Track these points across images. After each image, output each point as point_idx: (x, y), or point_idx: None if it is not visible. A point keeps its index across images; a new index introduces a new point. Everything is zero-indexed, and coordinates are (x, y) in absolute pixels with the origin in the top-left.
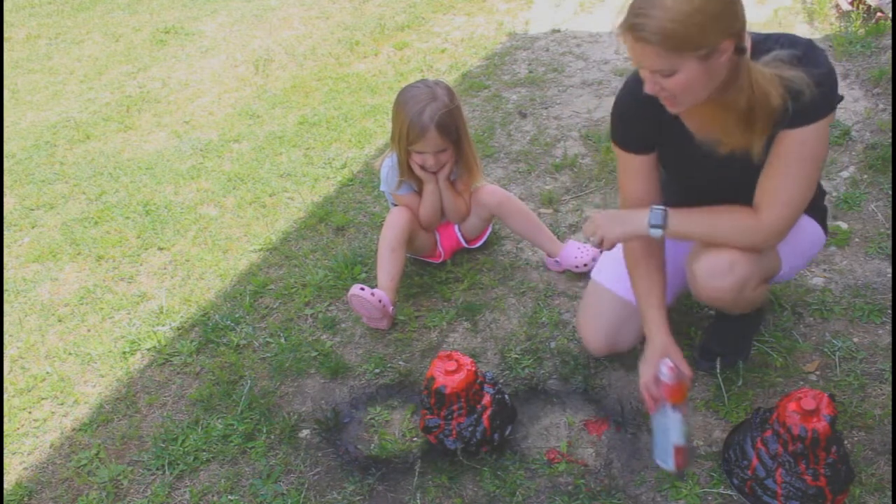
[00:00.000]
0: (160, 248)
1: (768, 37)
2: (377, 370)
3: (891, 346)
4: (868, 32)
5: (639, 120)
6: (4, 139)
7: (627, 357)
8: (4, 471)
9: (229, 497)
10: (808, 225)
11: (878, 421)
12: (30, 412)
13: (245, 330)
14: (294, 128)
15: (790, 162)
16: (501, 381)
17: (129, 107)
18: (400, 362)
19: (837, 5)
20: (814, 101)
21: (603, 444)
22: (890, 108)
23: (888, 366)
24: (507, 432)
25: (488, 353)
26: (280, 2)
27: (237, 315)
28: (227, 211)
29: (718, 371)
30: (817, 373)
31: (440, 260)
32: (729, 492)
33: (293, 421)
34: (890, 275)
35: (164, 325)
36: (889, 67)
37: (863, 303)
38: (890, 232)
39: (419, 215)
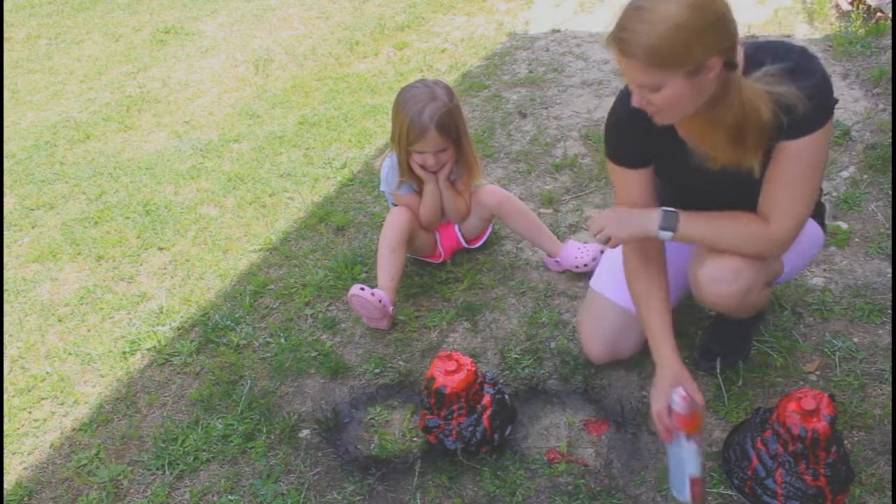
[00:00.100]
0: (160, 248)
1: (759, 47)
2: (377, 370)
3: (891, 346)
4: (868, 32)
5: (632, 133)
6: (4, 139)
7: (628, 358)
8: (4, 471)
9: (229, 497)
10: (808, 225)
11: (878, 421)
12: (30, 412)
13: (245, 330)
14: (294, 128)
15: (794, 173)
16: (501, 381)
17: (129, 107)
18: (400, 362)
19: (837, 5)
20: (808, 113)
21: (603, 444)
22: (890, 108)
23: (888, 366)
24: (507, 432)
25: (488, 353)
26: (280, 2)
27: (237, 315)
28: (227, 211)
29: (718, 371)
30: (817, 373)
31: (440, 260)
32: (729, 492)
33: (293, 421)
34: (890, 275)
35: (164, 325)
36: (889, 67)
37: (863, 303)
38: (890, 232)
39: (419, 215)
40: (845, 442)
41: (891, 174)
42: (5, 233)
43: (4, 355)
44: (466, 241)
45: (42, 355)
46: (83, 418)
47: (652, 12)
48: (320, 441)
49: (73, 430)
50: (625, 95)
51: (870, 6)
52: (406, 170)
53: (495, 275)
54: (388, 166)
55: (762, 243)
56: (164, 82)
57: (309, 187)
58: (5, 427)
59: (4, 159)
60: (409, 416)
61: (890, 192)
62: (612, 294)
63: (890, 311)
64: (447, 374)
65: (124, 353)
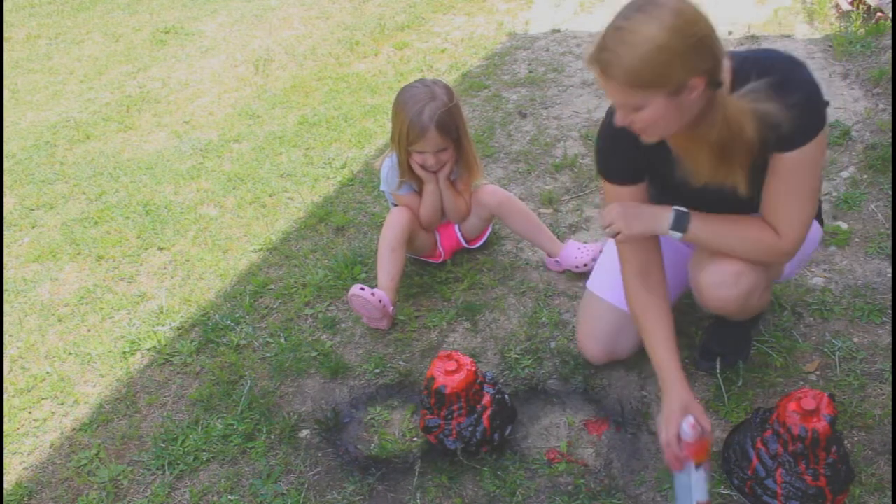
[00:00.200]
0: (160, 248)
1: (745, 59)
2: (377, 370)
3: (891, 346)
4: (868, 32)
5: (622, 149)
6: (4, 139)
7: (628, 358)
8: (4, 471)
9: (229, 497)
10: None
11: (878, 421)
12: (30, 412)
13: (245, 330)
14: (294, 128)
15: (795, 184)
16: (501, 381)
17: (129, 107)
18: (400, 362)
19: (837, 5)
20: (800, 125)
21: (603, 444)
22: (890, 108)
23: (888, 366)
24: (507, 432)
25: (488, 353)
26: (280, 2)
27: (237, 315)
28: (227, 211)
29: (718, 371)
30: (817, 373)
31: (440, 260)
32: (729, 492)
33: (293, 421)
34: (890, 275)
35: (164, 325)
36: (889, 67)
37: (863, 303)
38: (890, 232)
39: (419, 215)
40: (845, 442)
41: (891, 174)
42: (5, 233)
43: (4, 355)
44: (466, 241)
45: (42, 355)
46: (83, 418)
47: (632, 33)
48: (320, 441)
49: (73, 430)
50: (612, 113)
51: (870, 6)
52: (406, 170)
53: (495, 275)
54: (388, 166)
55: (770, 253)
56: (164, 82)
57: (309, 187)
58: (5, 427)
59: (4, 159)
60: (409, 416)
61: (890, 192)
62: (607, 295)
63: (890, 311)
64: (447, 374)
65: (124, 353)
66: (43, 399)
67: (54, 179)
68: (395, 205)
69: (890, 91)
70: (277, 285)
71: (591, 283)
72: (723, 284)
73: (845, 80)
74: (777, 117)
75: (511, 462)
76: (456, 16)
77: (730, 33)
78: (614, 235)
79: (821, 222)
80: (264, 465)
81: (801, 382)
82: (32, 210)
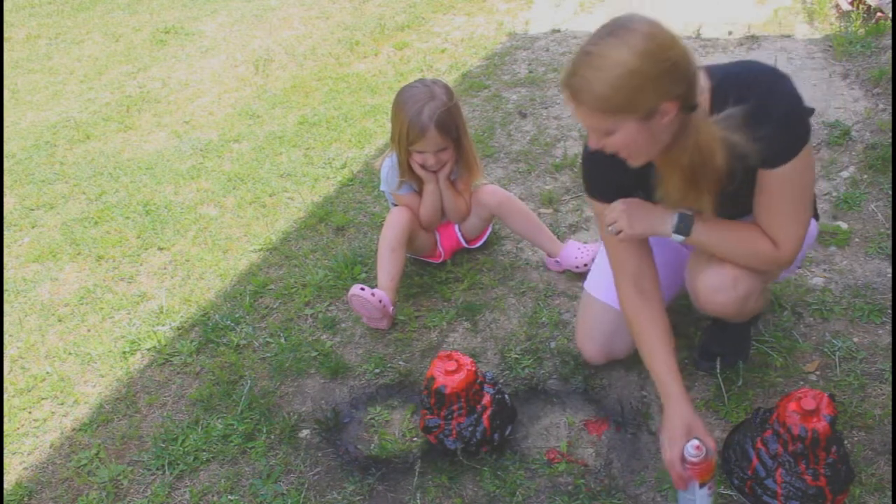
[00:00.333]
0: (160, 248)
1: (725, 77)
2: (377, 370)
3: (891, 346)
4: (868, 32)
5: (607, 169)
6: (4, 139)
7: (628, 358)
8: (4, 471)
9: (229, 497)
10: None
11: (878, 421)
12: (30, 412)
13: (245, 330)
14: (294, 128)
15: (787, 198)
16: (501, 381)
17: (129, 107)
18: (400, 362)
19: (837, 5)
20: (783, 144)
21: (603, 444)
22: (890, 108)
23: (888, 366)
24: (507, 432)
25: (488, 353)
26: (280, 2)
27: (237, 315)
28: (227, 211)
29: (718, 371)
30: (817, 373)
31: (440, 260)
32: (729, 492)
33: (293, 421)
34: (890, 275)
35: (164, 325)
36: (889, 67)
37: (863, 303)
38: (890, 232)
39: (419, 215)
40: (845, 442)
41: (891, 174)
42: (5, 233)
43: (4, 355)
44: (466, 241)
45: (42, 355)
46: (83, 418)
47: (602, 58)
48: (320, 441)
49: (73, 430)
50: None
51: (870, 6)
52: (406, 170)
53: (495, 275)
54: (388, 166)
55: (769, 263)
56: (164, 82)
57: (309, 187)
58: (5, 427)
59: (4, 159)
60: (409, 416)
61: (890, 192)
62: (604, 295)
63: (890, 311)
64: (447, 374)
65: (124, 353)
66: (43, 399)
67: (54, 179)
68: (395, 205)
69: (890, 91)
70: (277, 285)
71: (588, 284)
72: (720, 289)
73: (845, 80)
74: (744, 149)
75: (511, 462)
76: (456, 16)
77: (730, 33)
78: (616, 233)
79: (816, 217)
80: (264, 465)
81: (801, 382)
82: (32, 210)
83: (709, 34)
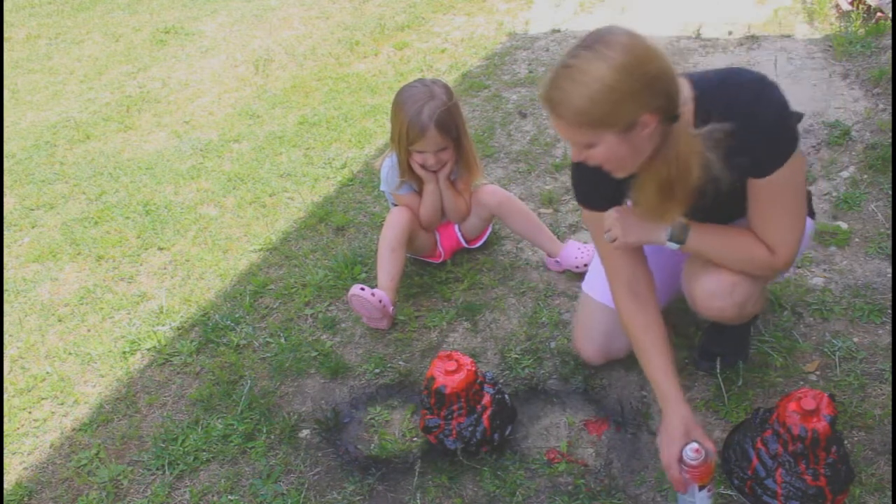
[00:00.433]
0: (160, 248)
1: (709, 86)
2: (377, 370)
3: (891, 346)
4: (868, 32)
5: (591, 178)
6: (4, 139)
7: (627, 358)
8: (4, 471)
9: (229, 497)
10: None
11: (878, 421)
12: (30, 412)
13: (245, 330)
14: (294, 128)
15: (780, 205)
16: (501, 381)
17: (129, 107)
18: (400, 362)
19: (837, 5)
20: (770, 154)
21: (603, 444)
22: (890, 108)
23: (888, 366)
24: (507, 432)
25: (488, 353)
26: (280, 2)
27: (237, 315)
28: (227, 211)
29: (718, 371)
30: (817, 373)
31: (440, 260)
32: (729, 492)
33: (293, 421)
34: (890, 275)
35: (164, 325)
36: (889, 67)
37: (863, 303)
38: (890, 232)
39: (420, 215)
40: (845, 442)
41: (891, 174)
42: (5, 233)
43: (4, 355)
44: (466, 241)
45: (42, 355)
46: (83, 418)
47: (581, 72)
48: (320, 441)
49: (73, 430)
50: None
51: (870, 6)
52: (406, 170)
53: (495, 275)
54: (388, 166)
55: (766, 269)
56: (164, 82)
57: (309, 187)
58: (5, 427)
59: (4, 159)
60: (409, 416)
61: (890, 192)
62: (601, 296)
63: (890, 311)
64: (447, 374)
65: (124, 353)
66: (43, 399)
67: (54, 179)
68: (395, 205)
69: (890, 91)
70: (277, 285)
71: (586, 285)
72: (718, 295)
73: (845, 80)
74: (717, 171)
75: (511, 462)
76: (456, 16)
77: (730, 33)
78: (612, 241)
79: (812, 215)
80: (264, 465)
81: (801, 382)
82: (32, 210)
83: (709, 34)
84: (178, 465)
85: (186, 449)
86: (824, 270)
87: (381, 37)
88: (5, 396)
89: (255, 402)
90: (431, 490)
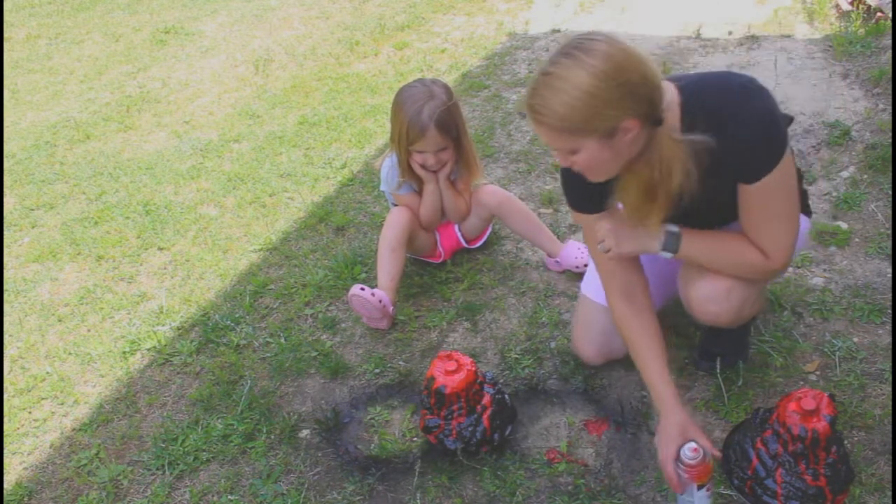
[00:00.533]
0: (160, 248)
1: (695, 91)
2: (377, 370)
3: (891, 346)
4: (868, 32)
5: (577, 182)
6: (4, 139)
7: (627, 358)
8: (4, 471)
9: (229, 497)
10: None
11: (878, 421)
12: (30, 412)
13: (245, 330)
14: (294, 128)
15: (768, 210)
16: (501, 381)
17: (129, 107)
18: (400, 362)
19: (837, 5)
20: (758, 160)
21: (603, 444)
22: (890, 108)
23: (888, 366)
24: (507, 432)
25: (488, 353)
26: (280, 2)
27: (237, 315)
28: (227, 211)
29: (718, 371)
30: (817, 373)
31: (440, 260)
32: (729, 492)
33: (293, 421)
34: (890, 275)
35: (164, 325)
36: (889, 67)
37: (863, 303)
38: (890, 232)
39: (420, 215)
40: (845, 442)
41: (891, 174)
42: (5, 233)
43: (4, 355)
44: (466, 241)
45: (42, 355)
46: (83, 418)
47: (561, 79)
48: (320, 441)
49: (73, 430)
50: None
51: (870, 6)
52: (406, 169)
53: (495, 275)
54: (388, 166)
55: (761, 273)
56: (164, 82)
57: (309, 187)
58: (5, 427)
59: (4, 159)
60: (409, 416)
61: (890, 192)
62: (599, 297)
63: (890, 311)
64: (447, 374)
65: (124, 353)
66: (43, 399)
67: (54, 179)
68: (395, 205)
69: (890, 91)
70: (277, 285)
71: (584, 286)
72: (713, 299)
73: (845, 80)
74: (692, 183)
75: (511, 462)
76: (456, 16)
77: (730, 33)
78: (605, 251)
79: (808, 213)
80: (264, 465)
81: (801, 382)
82: (32, 210)
83: (709, 34)
84: (178, 465)
85: (186, 449)
86: (824, 270)
87: (381, 37)
88: (5, 396)
89: (255, 402)
90: (431, 490)
